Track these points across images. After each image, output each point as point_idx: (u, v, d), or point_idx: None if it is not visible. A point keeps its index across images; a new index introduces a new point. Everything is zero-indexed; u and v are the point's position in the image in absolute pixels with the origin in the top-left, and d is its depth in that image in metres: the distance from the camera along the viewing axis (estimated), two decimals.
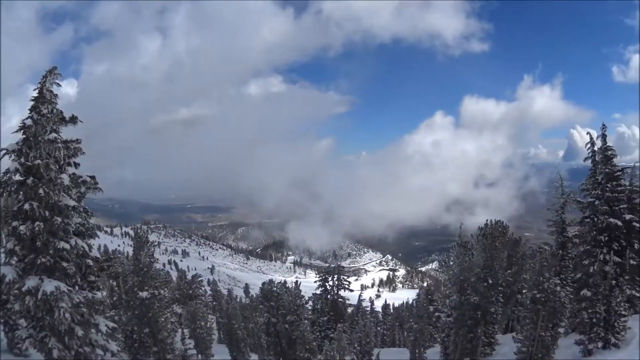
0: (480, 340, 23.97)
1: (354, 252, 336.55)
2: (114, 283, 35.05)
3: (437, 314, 35.73)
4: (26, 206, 13.57)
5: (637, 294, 22.09)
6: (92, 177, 16.13)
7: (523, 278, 29.96)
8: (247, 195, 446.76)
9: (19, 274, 14.03)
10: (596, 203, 21.39)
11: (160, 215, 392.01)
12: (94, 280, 15.78)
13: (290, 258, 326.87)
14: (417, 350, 38.04)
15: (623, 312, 18.24)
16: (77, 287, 14.74)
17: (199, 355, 39.96)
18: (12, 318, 17.96)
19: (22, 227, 13.54)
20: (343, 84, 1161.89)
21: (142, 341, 27.74)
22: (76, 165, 15.51)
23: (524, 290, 29.05)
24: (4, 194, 14.15)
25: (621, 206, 21.47)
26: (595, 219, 21.41)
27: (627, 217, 21.38)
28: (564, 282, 21.98)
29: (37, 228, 13.53)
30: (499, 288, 24.94)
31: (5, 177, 13.92)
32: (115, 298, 34.77)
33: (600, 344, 18.52)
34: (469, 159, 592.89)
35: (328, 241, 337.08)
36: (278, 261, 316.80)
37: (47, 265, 13.97)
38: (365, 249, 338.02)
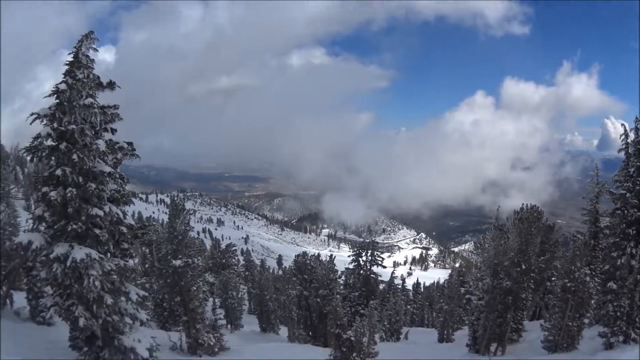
0: (509, 326, 23.74)
1: (389, 228, 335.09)
2: (147, 250, 35.54)
3: (467, 296, 35.19)
4: (58, 172, 13.07)
5: None
6: (130, 144, 15.37)
7: (554, 265, 29.46)
8: (285, 166, 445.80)
9: (48, 240, 13.59)
10: (627, 195, 20.61)
11: (196, 183, 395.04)
12: (127, 247, 15.14)
13: (325, 231, 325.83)
14: (445, 332, 38.06)
15: None
16: (109, 255, 14.22)
17: (229, 325, 40.32)
18: (37, 285, 17.80)
19: (52, 193, 13.04)
20: (385, 58, 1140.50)
21: (172, 310, 28.16)
22: (113, 131, 14.84)
23: (553, 278, 28.62)
24: (34, 160, 13.66)
25: None
26: (626, 211, 20.68)
27: None
28: (594, 273, 21.63)
29: (69, 194, 13.04)
30: (531, 274, 24.63)
31: (35, 142, 13.22)
32: (147, 266, 35.40)
33: (621, 338, 18.17)
34: (507, 141, 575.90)
35: (363, 215, 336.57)
36: (312, 233, 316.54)
37: (78, 232, 13.50)
38: (400, 226, 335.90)
